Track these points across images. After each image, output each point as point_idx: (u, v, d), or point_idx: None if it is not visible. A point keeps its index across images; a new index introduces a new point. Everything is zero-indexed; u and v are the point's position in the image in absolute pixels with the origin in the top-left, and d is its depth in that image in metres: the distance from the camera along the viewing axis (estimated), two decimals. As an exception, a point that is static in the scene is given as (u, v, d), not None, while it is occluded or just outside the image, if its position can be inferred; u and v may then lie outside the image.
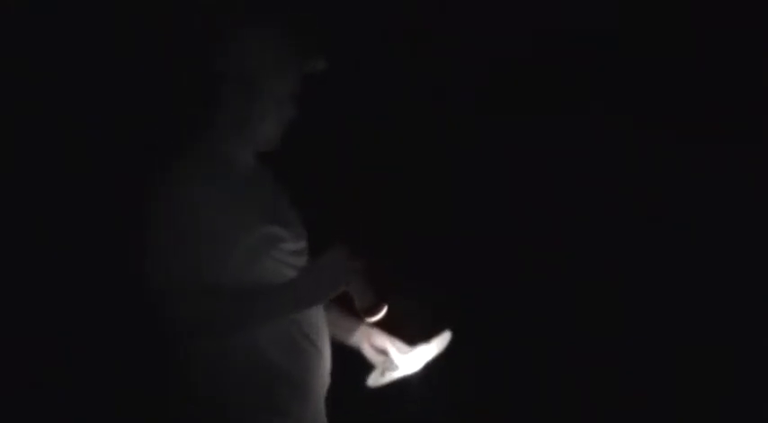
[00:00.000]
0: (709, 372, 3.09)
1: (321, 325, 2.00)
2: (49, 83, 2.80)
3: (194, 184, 1.83)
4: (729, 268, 3.18)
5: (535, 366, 3.22)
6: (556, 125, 3.34)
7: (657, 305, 3.22)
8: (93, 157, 2.83)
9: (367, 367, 2.19)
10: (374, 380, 2.15)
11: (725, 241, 3.20)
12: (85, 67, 2.83)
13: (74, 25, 2.81)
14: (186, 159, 1.89)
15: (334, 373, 2.04)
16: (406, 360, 2.12)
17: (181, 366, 1.89)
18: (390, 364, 2.13)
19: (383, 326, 2.13)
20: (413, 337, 2.17)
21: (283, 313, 1.87)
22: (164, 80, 2.01)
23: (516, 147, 3.34)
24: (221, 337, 1.85)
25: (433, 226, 3.28)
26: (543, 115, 3.34)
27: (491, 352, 3.17)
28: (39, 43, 2.80)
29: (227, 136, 1.93)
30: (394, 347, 2.14)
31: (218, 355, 1.86)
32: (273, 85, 1.91)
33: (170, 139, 1.96)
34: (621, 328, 3.20)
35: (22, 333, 2.79)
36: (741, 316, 3.15)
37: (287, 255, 1.94)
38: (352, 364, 2.16)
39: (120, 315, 2.58)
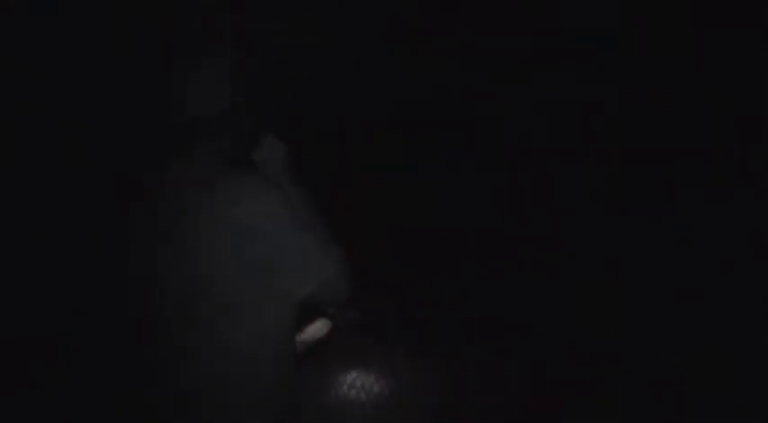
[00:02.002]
0: (709, 372, 3.09)
1: (283, 334, 1.95)
2: (49, 83, 2.80)
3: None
4: (729, 268, 3.18)
5: (535, 366, 3.22)
6: (556, 125, 3.34)
7: (657, 305, 3.22)
8: (93, 157, 2.83)
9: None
10: None
11: (725, 241, 3.21)
12: (85, 67, 2.83)
13: (74, 25, 2.81)
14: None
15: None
16: None
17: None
18: None
19: None
20: None
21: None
22: (164, 81, 2.00)
23: (516, 146, 3.34)
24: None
25: (433, 225, 3.28)
26: (543, 115, 3.34)
27: (491, 352, 3.17)
28: (39, 43, 2.80)
29: (230, 140, 1.93)
30: None
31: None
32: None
33: (170, 143, 1.96)
34: (621, 328, 3.20)
35: (21, 333, 2.78)
36: (741, 316, 3.15)
37: None
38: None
39: (116, 315, 2.56)
